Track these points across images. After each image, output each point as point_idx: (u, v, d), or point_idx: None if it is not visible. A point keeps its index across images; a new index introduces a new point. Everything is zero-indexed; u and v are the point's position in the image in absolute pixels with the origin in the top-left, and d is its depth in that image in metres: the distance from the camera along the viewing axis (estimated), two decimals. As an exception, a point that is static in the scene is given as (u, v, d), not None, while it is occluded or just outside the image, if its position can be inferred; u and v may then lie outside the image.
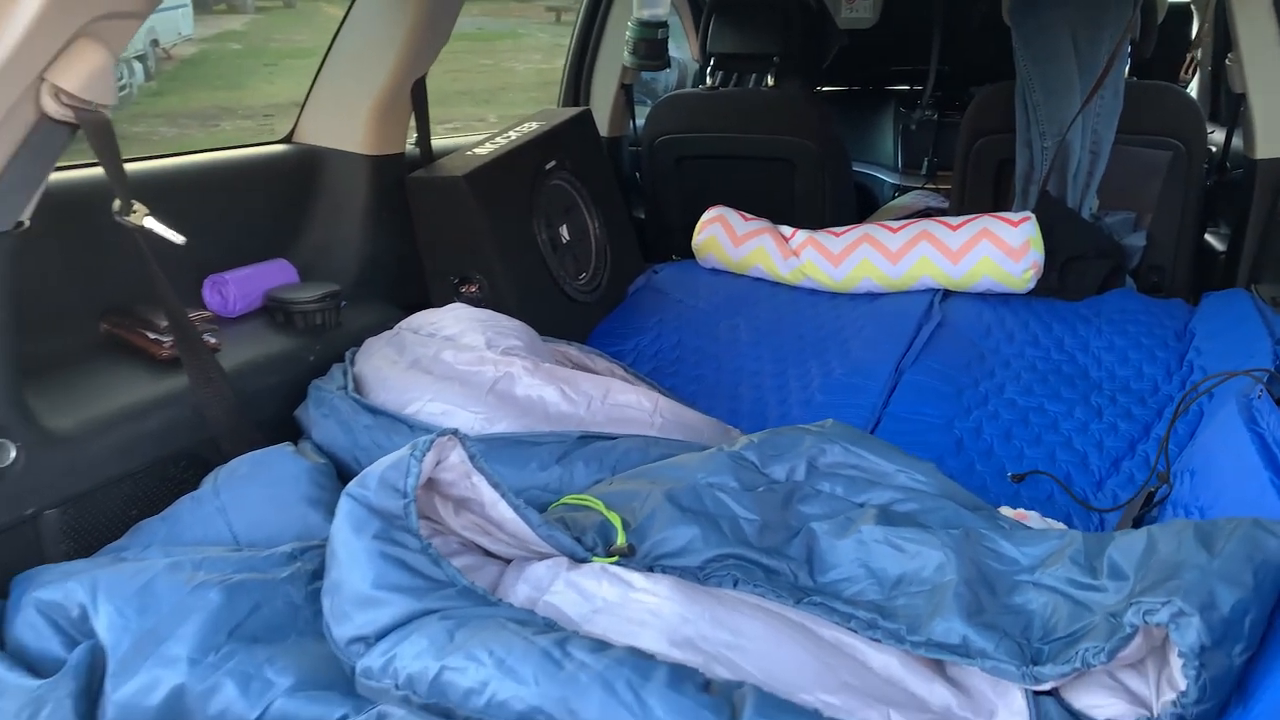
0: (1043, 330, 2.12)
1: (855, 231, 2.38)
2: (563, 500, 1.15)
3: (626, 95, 2.89)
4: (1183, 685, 0.79)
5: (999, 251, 2.22)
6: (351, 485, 0.97)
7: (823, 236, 2.40)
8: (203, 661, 0.88)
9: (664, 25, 2.59)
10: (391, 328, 1.66)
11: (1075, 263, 2.32)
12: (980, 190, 2.61)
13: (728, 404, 1.96)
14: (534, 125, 2.23)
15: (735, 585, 1.00)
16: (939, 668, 0.93)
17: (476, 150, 2.05)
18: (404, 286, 1.92)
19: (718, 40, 2.82)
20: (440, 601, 0.88)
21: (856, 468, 1.18)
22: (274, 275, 1.67)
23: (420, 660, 0.81)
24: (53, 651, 0.94)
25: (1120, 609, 0.84)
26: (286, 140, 1.88)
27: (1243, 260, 2.24)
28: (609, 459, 1.27)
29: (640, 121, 2.98)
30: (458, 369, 1.38)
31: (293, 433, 1.44)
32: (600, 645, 0.80)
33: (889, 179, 3.54)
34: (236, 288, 1.59)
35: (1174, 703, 0.80)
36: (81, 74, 1.10)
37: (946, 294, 2.26)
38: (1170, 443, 1.50)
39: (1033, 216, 2.24)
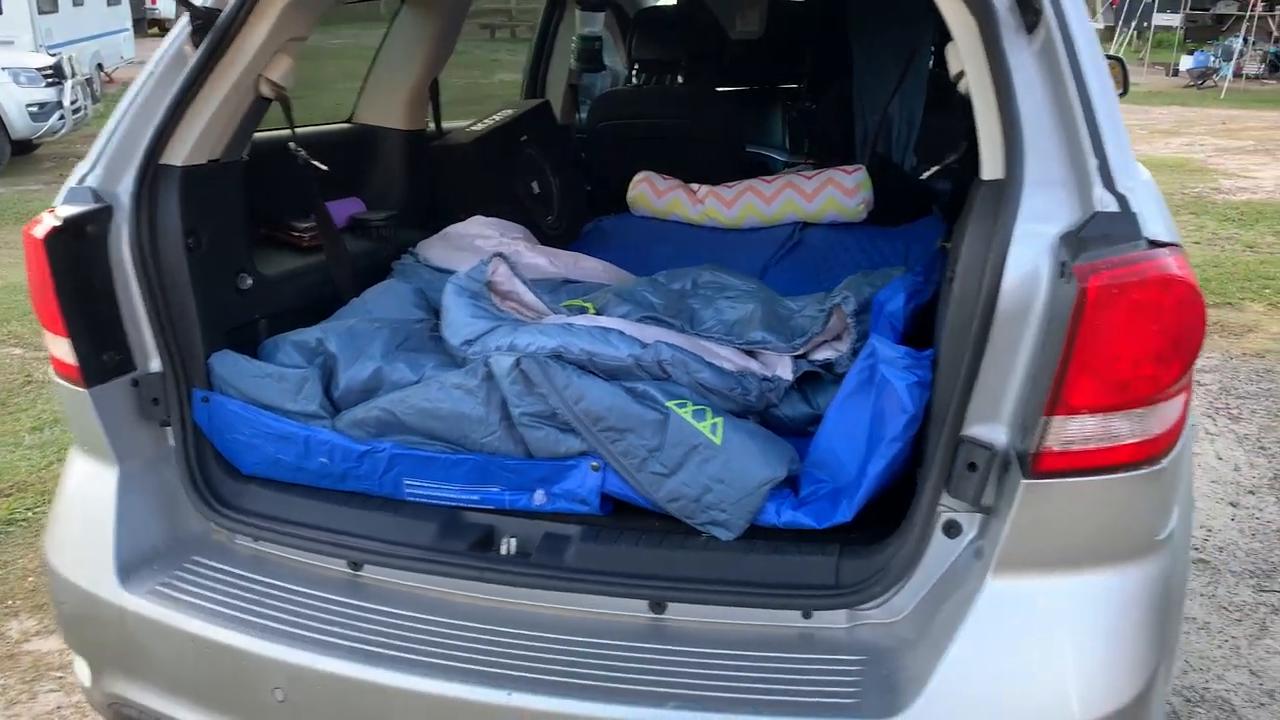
0: (869, 244, 3.09)
1: (742, 184, 3.33)
2: (573, 302, 2.06)
3: (573, 93, 3.81)
4: (854, 335, 1.74)
5: (839, 192, 3.19)
6: (451, 279, 1.88)
7: (719, 189, 3.36)
8: (387, 356, 1.78)
9: (599, 38, 3.51)
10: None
11: (894, 200, 3.31)
12: (834, 152, 3.61)
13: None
14: (510, 111, 3.15)
15: (653, 325, 1.93)
16: (752, 355, 1.87)
17: (473, 128, 2.95)
18: (429, 218, 2.81)
19: (640, 49, 3.75)
20: (505, 322, 1.80)
21: (717, 282, 2.12)
22: (352, 206, 2.57)
23: (501, 340, 1.73)
24: (299, 363, 1.83)
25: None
26: (349, 120, 2.77)
27: None
28: (580, 291, 2.19)
29: (584, 113, 3.90)
30: (484, 249, 2.29)
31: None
32: (588, 325, 1.73)
33: (780, 158, 4.53)
34: (331, 212, 2.47)
35: (849, 345, 1.75)
36: (280, 71, 1.98)
37: (805, 225, 3.22)
38: None
39: (864, 167, 3.22)
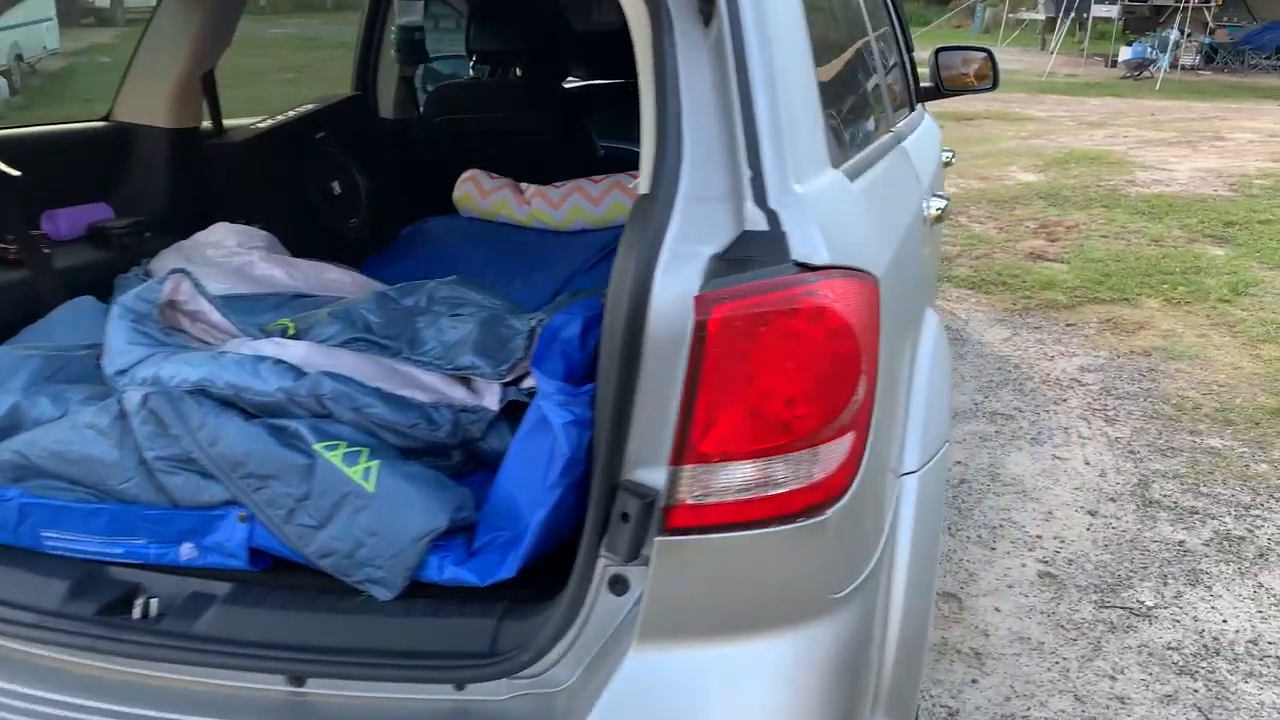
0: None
1: (570, 184, 3.14)
2: (275, 324, 1.86)
3: (407, 86, 3.59)
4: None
5: (667, 192, 3.01)
6: (118, 300, 1.66)
7: (547, 189, 3.16)
8: (30, 389, 1.57)
9: (420, 29, 3.30)
10: (186, 250, 2.34)
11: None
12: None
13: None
14: (310, 107, 2.92)
15: (360, 350, 1.73)
16: (462, 380, 1.68)
17: (258, 125, 2.73)
18: (202, 224, 2.59)
19: (477, 39, 3.54)
20: (164, 350, 1.59)
21: (456, 297, 1.93)
22: (96, 213, 2.34)
23: (149, 370, 1.52)
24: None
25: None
26: (106, 119, 2.54)
27: None
28: (312, 307, 1.99)
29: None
30: (215, 260, 2.08)
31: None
32: (241, 353, 1.53)
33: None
34: (65, 220, 2.24)
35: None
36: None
37: (636, 226, 3.03)
38: None
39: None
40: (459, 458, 1.60)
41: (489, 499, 1.46)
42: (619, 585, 1.28)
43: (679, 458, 1.13)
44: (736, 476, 1.14)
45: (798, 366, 1.11)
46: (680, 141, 1.24)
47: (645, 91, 1.31)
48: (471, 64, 3.66)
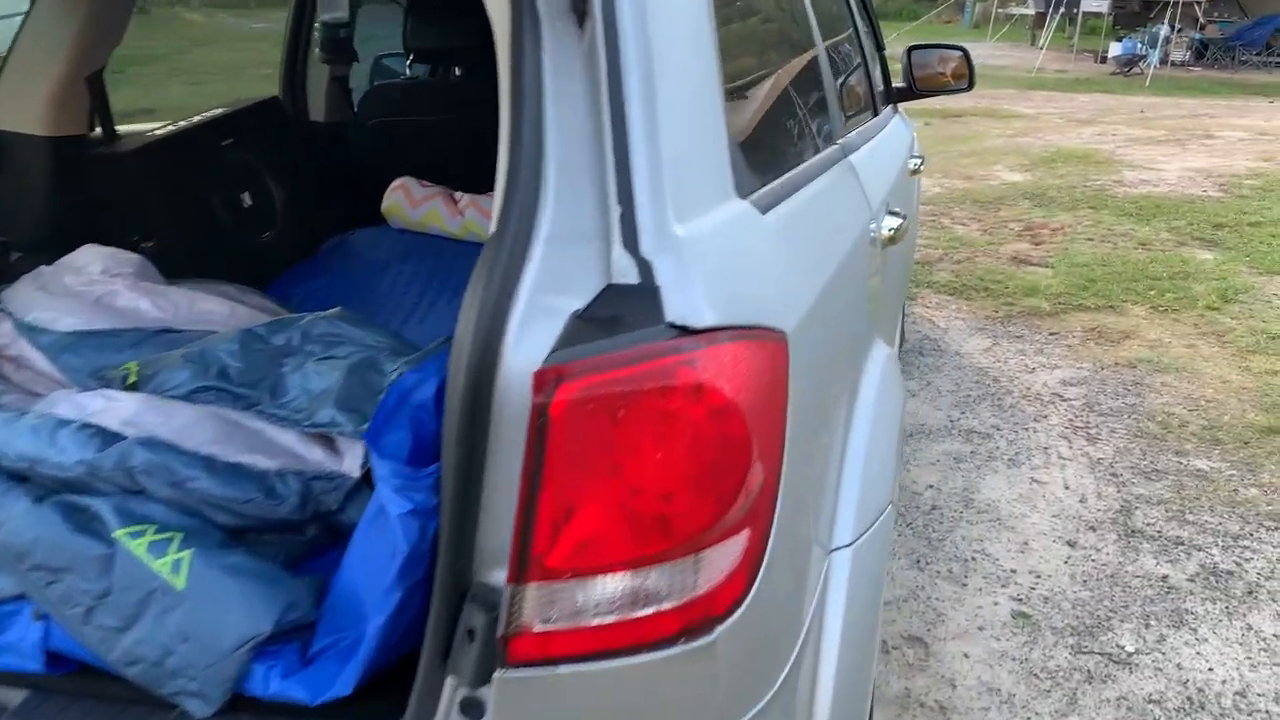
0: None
1: (507, 193, 2.90)
2: (116, 370, 1.62)
3: (339, 86, 3.34)
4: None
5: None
6: (-81, 345, 1.42)
7: (482, 198, 2.93)
8: None
9: (346, 25, 3.05)
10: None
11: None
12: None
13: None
14: (217, 112, 2.68)
15: (209, 401, 1.49)
16: (324, 439, 1.44)
17: (155, 132, 2.49)
18: (86, 244, 2.34)
19: (414, 37, 3.29)
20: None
21: (334, 334, 1.68)
22: (-47, 232, 2.09)
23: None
24: None
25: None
26: (-27, 126, 2.29)
27: None
28: (177, 344, 1.75)
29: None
30: (73, 289, 1.83)
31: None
32: (47, 415, 1.29)
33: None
34: (-88, 241, 2.00)
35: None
36: None
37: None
38: None
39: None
40: (315, 531, 1.37)
41: (330, 593, 1.23)
42: (473, 710, 1.04)
43: (520, 575, 0.90)
44: (595, 594, 0.91)
45: (667, 458, 0.88)
46: (541, 167, 1.01)
47: (504, 103, 1.08)
48: (409, 63, 3.42)
